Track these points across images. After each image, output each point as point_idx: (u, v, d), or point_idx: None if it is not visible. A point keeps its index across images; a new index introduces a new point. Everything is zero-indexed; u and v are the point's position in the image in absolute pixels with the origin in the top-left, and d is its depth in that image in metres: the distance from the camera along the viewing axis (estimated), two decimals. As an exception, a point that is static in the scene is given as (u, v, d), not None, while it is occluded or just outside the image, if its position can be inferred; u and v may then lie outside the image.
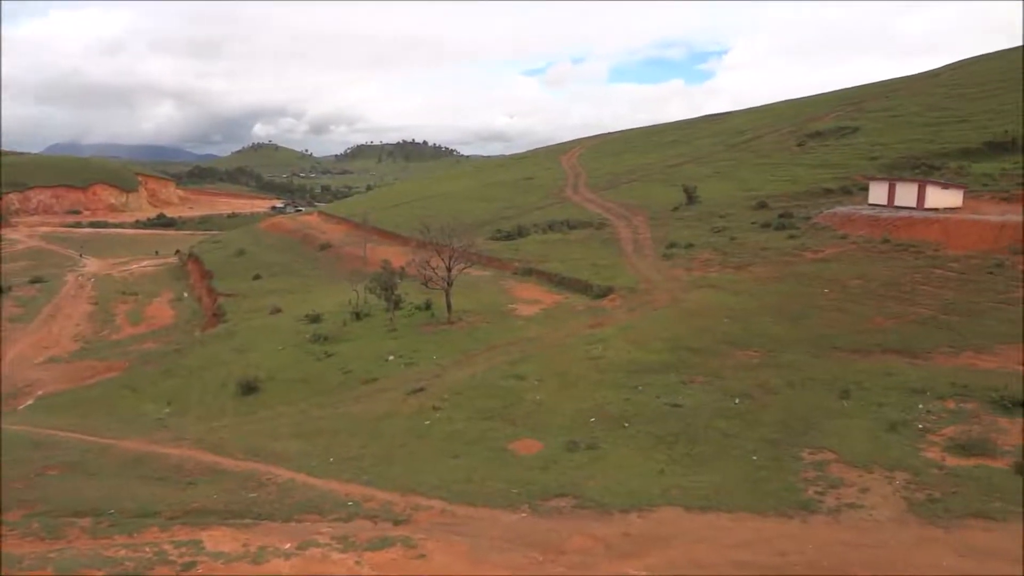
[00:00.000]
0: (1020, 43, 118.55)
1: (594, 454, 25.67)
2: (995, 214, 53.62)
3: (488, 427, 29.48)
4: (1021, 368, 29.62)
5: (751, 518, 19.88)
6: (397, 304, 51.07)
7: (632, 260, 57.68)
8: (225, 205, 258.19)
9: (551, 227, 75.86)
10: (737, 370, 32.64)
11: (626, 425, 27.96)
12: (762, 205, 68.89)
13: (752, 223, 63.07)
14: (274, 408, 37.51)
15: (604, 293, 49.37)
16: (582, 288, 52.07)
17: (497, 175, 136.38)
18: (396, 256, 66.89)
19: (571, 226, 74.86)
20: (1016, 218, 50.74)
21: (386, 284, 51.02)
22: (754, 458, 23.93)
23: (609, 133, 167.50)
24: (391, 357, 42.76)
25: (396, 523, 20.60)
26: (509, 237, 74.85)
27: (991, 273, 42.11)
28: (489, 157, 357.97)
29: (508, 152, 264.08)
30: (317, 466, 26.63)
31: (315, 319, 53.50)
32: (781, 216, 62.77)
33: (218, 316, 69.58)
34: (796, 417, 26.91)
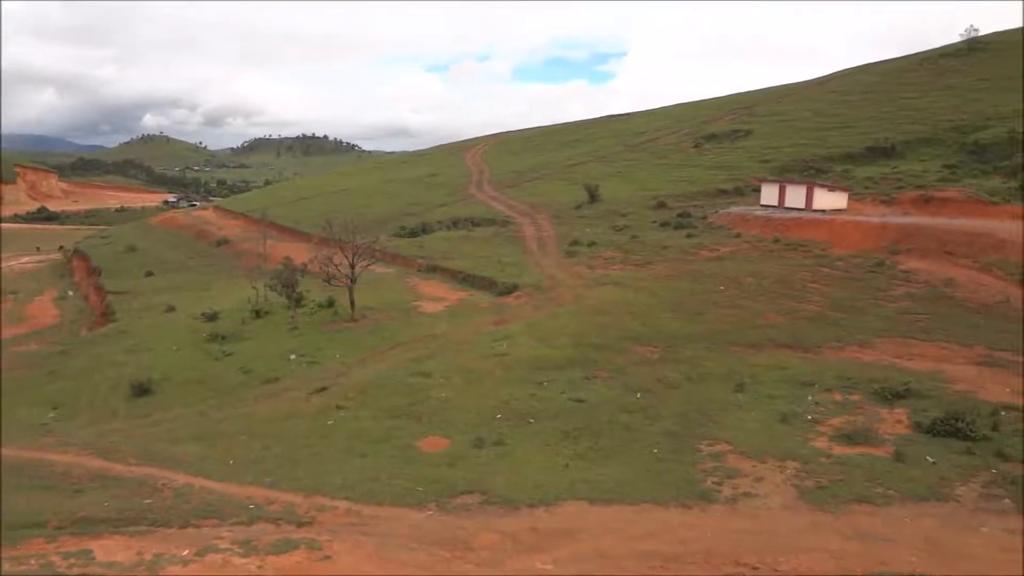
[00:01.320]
0: (899, 55, 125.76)
1: (500, 450, 25.89)
2: (876, 216, 56.87)
3: (394, 425, 29.30)
4: (898, 360, 31.58)
5: (653, 509, 20.49)
6: (299, 302, 50.08)
7: (536, 258, 58.33)
8: (113, 199, 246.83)
9: (456, 224, 75.93)
10: (639, 365, 33.52)
11: (532, 421, 28.32)
12: (661, 205, 70.85)
13: (652, 222, 64.81)
14: (169, 410, 36.16)
15: (509, 290, 49.76)
16: (487, 285, 52.33)
17: (401, 171, 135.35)
18: (298, 253, 65.53)
19: (476, 223, 75.11)
20: (896, 219, 53.96)
21: (287, 281, 49.96)
22: (655, 451, 24.65)
23: (513, 131, 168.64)
24: (293, 356, 41.91)
25: (300, 525, 20.24)
26: (413, 234, 74.48)
27: (873, 272, 44.70)
28: (392, 153, 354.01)
29: (412, 148, 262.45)
30: (216, 469, 25.85)
31: (212, 317, 51.88)
32: (679, 215, 64.77)
33: (107, 315, 66.53)
34: (694, 410, 27.86)
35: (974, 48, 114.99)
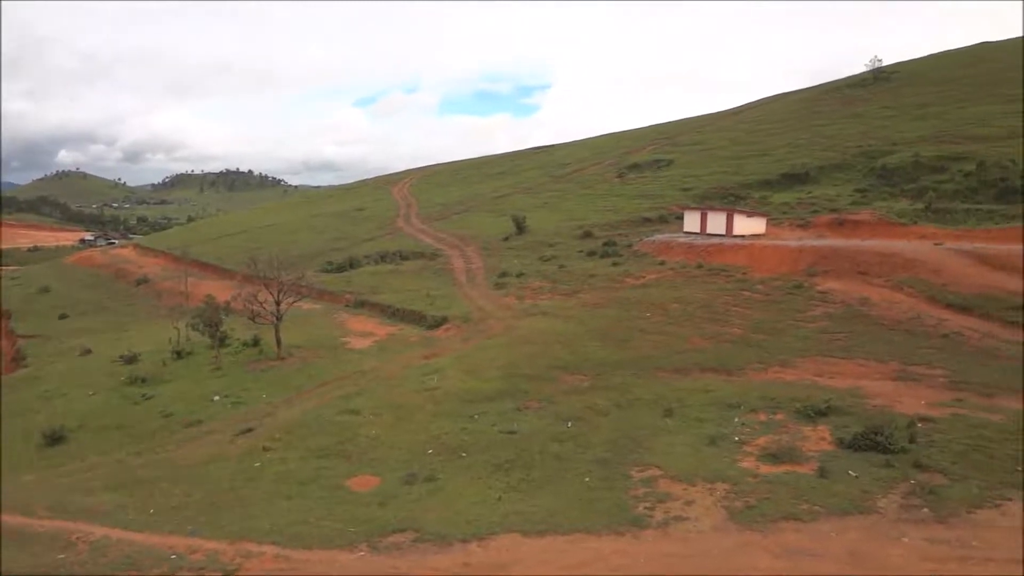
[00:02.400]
0: (809, 85, 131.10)
1: (432, 486, 25.53)
2: (793, 240, 58.76)
3: (322, 465, 28.63)
4: (819, 379, 32.47)
5: (586, 538, 20.44)
6: (222, 341, 48.81)
7: (465, 290, 58.28)
8: (25, 238, 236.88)
9: (383, 258, 75.40)
10: (569, 394, 33.63)
11: (463, 455, 28.05)
12: (587, 234, 71.77)
13: (579, 251, 65.56)
14: (85, 459, 34.57)
15: (438, 323, 49.51)
16: (416, 319, 51.97)
17: (327, 206, 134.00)
18: (221, 291, 64.03)
19: (404, 257, 74.76)
20: (812, 243, 55.81)
21: (210, 320, 48.68)
22: (587, 479, 24.66)
23: (440, 164, 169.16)
24: (217, 397, 40.71)
25: (225, 573, 19.51)
26: (341, 269, 73.62)
27: (792, 294, 46.03)
28: (319, 187, 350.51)
29: (338, 182, 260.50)
30: (135, 519, 24.75)
31: (131, 360, 50.10)
32: (605, 244, 65.68)
33: (18, 360, 63.53)
34: (625, 437, 28.02)
35: (879, 78, 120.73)
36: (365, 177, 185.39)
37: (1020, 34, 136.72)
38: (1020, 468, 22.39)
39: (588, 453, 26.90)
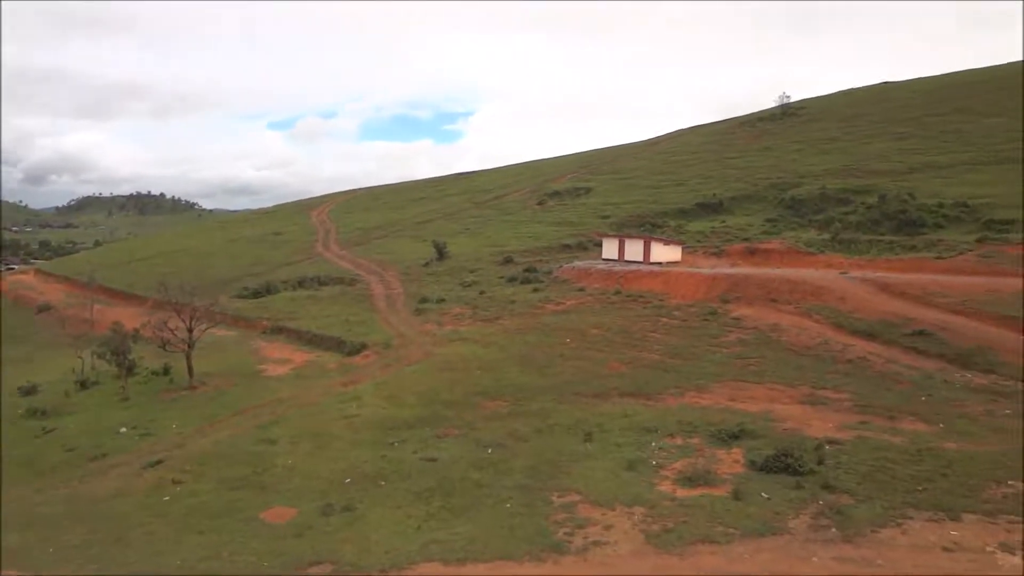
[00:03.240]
0: (722, 118, 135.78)
1: (351, 516, 25.02)
2: (707, 267, 60.46)
3: (236, 497, 27.74)
4: (732, 403, 33.30)
5: (507, 565, 20.33)
6: (130, 370, 46.97)
7: (385, 316, 57.74)
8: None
9: (301, 284, 74.12)
10: (489, 420, 33.56)
11: (382, 483, 27.62)
12: (508, 260, 72.24)
13: (500, 277, 65.87)
14: (-23, 496, 32.58)
15: (357, 350, 48.84)
16: (335, 345, 51.15)
17: (243, 230, 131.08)
18: (130, 318, 61.76)
19: (322, 282, 73.66)
20: (725, 271, 57.50)
21: (117, 348, 46.81)
22: (507, 505, 24.58)
23: (360, 189, 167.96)
24: (124, 429, 39.04)
25: (130, 613, 18.64)
26: (257, 295, 71.95)
27: (706, 320, 47.23)
28: (235, 212, 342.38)
29: (256, 206, 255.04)
30: (35, 560, 23.45)
31: (30, 391, 47.61)
32: (526, 270, 66.21)
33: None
34: (545, 462, 28.08)
35: (787, 113, 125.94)
36: (283, 201, 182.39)
37: (920, 75, 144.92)
38: (920, 488, 23.35)
39: (509, 479, 26.84)
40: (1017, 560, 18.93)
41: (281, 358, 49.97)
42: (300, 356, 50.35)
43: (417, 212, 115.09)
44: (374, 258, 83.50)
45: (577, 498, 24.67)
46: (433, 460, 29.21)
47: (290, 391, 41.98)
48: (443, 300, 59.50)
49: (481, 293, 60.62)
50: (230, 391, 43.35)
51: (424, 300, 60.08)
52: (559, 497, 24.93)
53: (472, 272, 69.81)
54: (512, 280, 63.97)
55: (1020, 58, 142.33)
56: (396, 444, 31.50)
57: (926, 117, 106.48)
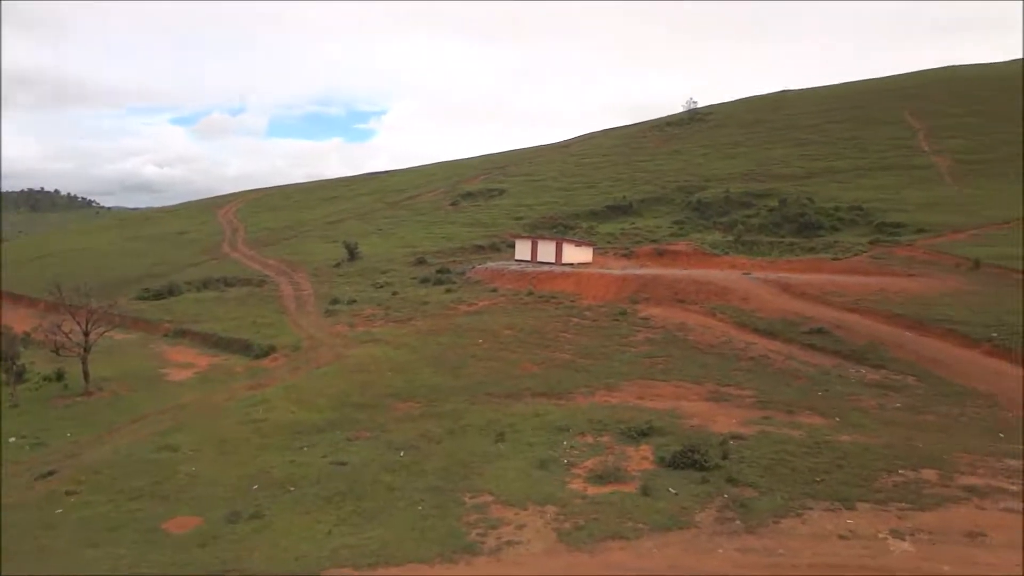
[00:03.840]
0: (632, 122, 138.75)
1: (258, 523, 24.37)
2: (618, 268, 61.56)
3: (136, 508, 26.62)
4: (641, 401, 33.98)
5: (419, 568, 20.19)
6: (20, 376, 44.45)
7: (294, 317, 56.55)
8: None
9: (207, 285, 71.80)
10: (401, 422, 33.28)
11: (291, 489, 27.01)
12: (421, 261, 71.86)
13: (412, 278, 65.45)
14: None
15: (265, 352, 47.64)
16: (242, 348, 49.76)
17: (145, 229, 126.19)
18: (20, 320, 58.52)
19: (229, 283, 71.57)
20: (635, 271, 58.65)
21: (5, 353, 44.27)
22: (420, 508, 24.42)
23: (271, 187, 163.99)
24: (13, 439, 36.89)
25: (19, 633, 17.66)
26: (159, 296, 69.27)
27: (617, 320, 48.07)
28: (136, 209, 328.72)
29: (158, 204, 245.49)
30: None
31: (-93, 400, 44.55)
32: (439, 271, 65.98)
33: None
34: (457, 463, 28.03)
35: (694, 118, 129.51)
36: (187, 199, 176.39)
37: (818, 84, 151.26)
38: (818, 479, 24.35)
39: (421, 481, 26.67)
40: (907, 545, 19.96)
41: (184, 362, 48.28)
42: (205, 360, 48.77)
43: (328, 212, 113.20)
44: (283, 258, 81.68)
45: (489, 498, 24.71)
46: (344, 464, 28.76)
47: (194, 396, 40.61)
48: (355, 301, 58.68)
49: (393, 294, 60.07)
50: (129, 397, 41.62)
51: (335, 301, 59.11)
52: (472, 498, 24.92)
53: (384, 273, 69.13)
54: (425, 281, 63.64)
55: (909, 70, 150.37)
56: (305, 448, 30.87)
57: (824, 125, 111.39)
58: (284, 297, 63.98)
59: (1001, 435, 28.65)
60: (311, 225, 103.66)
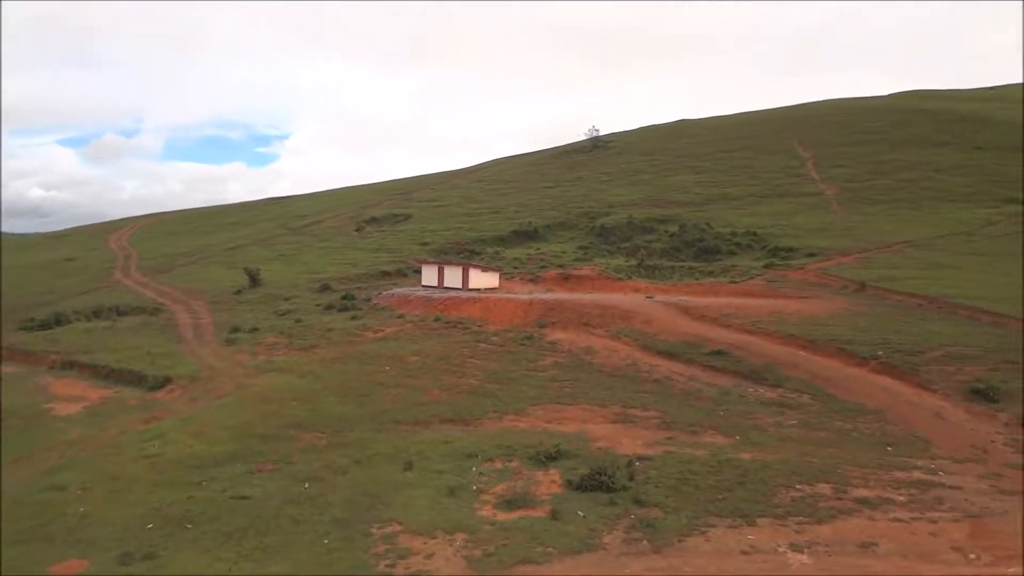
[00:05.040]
0: (536, 149, 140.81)
1: (152, 564, 23.20)
2: (524, 293, 62.00)
3: (18, 553, 24.93)
4: (549, 425, 34.20)
5: (324, 603, 19.64)
6: None
7: (193, 347, 54.52)
8: None
9: (97, 314, 68.39)
10: (306, 453, 32.42)
11: (189, 526, 25.87)
12: (325, 287, 70.64)
13: (317, 305, 64.22)
14: None
15: (161, 384, 45.65)
16: (135, 380, 47.52)
17: (30, 256, 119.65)
18: None
19: (121, 312, 68.40)
20: (541, 296, 59.20)
21: None
22: (326, 541, 23.80)
23: (168, 212, 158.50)
24: None
25: None
26: (45, 326, 65.51)
27: (524, 344, 48.36)
28: (20, 235, 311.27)
29: (45, 229, 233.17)
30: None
31: None
32: (344, 298, 64.96)
33: None
34: (364, 494, 27.49)
35: (597, 146, 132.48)
36: (76, 225, 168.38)
37: (713, 114, 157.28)
38: (721, 497, 25.00)
39: (326, 514, 26.01)
40: (804, 558, 20.70)
41: (73, 395, 45.72)
42: (95, 393, 46.31)
43: (228, 237, 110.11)
44: (181, 286, 78.80)
45: (398, 528, 24.32)
46: (245, 498, 27.76)
47: (83, 431, 38.46)
48: (256, 329, 57.07)
49: (297, 321, 58.74)
50: (9, 435, 39.10)
51: (235, 330, 57.33)
52: (379, 528, 24.47)
53: (287, 300, 67.58)
54: (329, 308, 62.51)
55: (794, 103, 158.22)
56: (204, 483, 29.63)
57: (718, 153, 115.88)
58: (181, 326, 61.65)
59: (889, 448, 30.13)
60: (210, 251, 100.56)
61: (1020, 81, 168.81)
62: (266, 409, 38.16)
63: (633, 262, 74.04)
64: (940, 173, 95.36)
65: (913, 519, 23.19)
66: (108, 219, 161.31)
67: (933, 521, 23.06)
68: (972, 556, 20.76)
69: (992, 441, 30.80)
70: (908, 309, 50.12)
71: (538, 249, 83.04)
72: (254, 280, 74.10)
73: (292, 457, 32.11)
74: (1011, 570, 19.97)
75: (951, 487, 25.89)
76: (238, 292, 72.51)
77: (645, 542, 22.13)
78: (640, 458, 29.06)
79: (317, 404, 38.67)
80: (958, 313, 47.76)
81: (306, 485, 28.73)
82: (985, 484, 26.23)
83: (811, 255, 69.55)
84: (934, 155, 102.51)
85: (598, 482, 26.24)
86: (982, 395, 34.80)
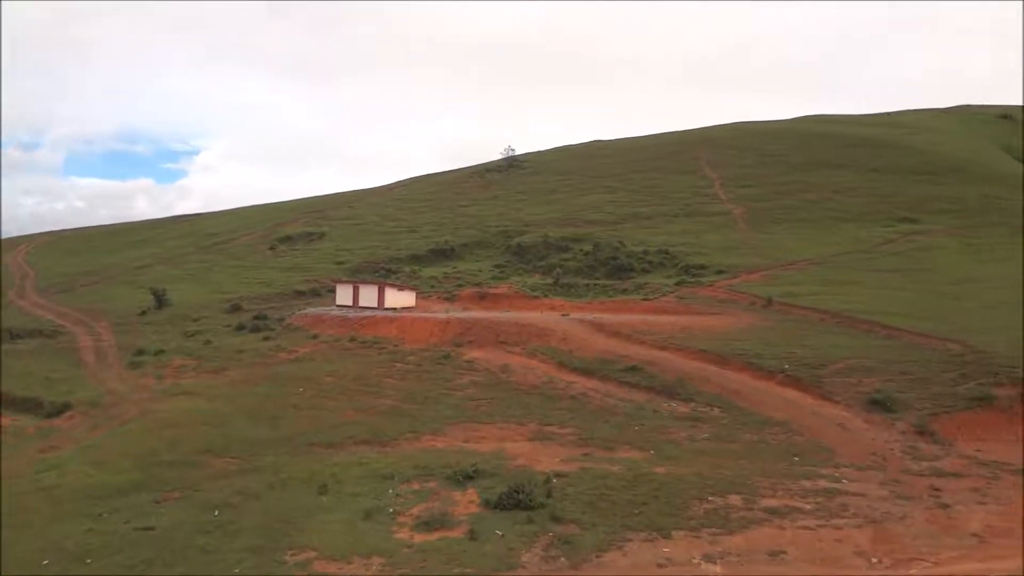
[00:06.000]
0: (453, 167, 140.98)
1: (49, 602, 22.04)
2: (441, 311, 61.84)
3: None
4: (467, 444, 34.10)
5: (235, 635, 19.00)
6: None
7: (94, 371, 52.26)
8: None
9: (-11, 338, 64.84)
10: (216, 479, 31.40)
11: (89, 561, 24.64)
12: (236, 308, 68.82)
13: (227, 326, 62.49)
14: None
15: (59, 411, 43.52)
16: (31, 407, 45.22)
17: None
18: None
19: (16, 335, 64.97)
20: (457, 315, 59.15)
21: None
22: (237, 570, 23.06)
23: (68, 230, 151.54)
24: None
25: None
26: (-70, 352, 61.79)
27: (441, 363, 48.13)
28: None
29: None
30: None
31: None
32: (256, 318, 63.39)
33: None
34: (277, 520, 26.76)
35: (512, 165, 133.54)
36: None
37: (625, 135, 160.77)
38: (636, 511, 25.38)
39: (238, 541, 25.20)
40: (717, 568, 21.20)
41: (-39, 425, 43.15)
42: (-14, 421, 43.84)
43: (134, 256, 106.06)
44: (82, 307, 75.44)
45: (312, 554, 23.76)
46: (151, 529, 26.64)
47: (-28, 463, 36.29)
48: (163, 352, 55.06)
49: (206, 343, 56.98)
50: None
51: (141, 352, 55.20)
52: (293, 555, 23.86)
53: (196, 321, 65.51)
54: (241, 328, 60.89)
55: (702, 125, 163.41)
56: (105, 515, 28.32)
57: (630, 174, 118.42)
58: (82, 349, 59.01)
59: (795, 458, 31.20)
60: (114, 271, 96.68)
61: (913, 108, 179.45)
62: (173, 435, 36.79)
63: (549, 280, 74.81)
64: (839, 194, 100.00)
65: (819, 526, 24.04)
66: (3, 236, 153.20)
67: (838, 528, 23.96)
68: (874, 560, 21.65)
69: (891, 449, 32.30)
70: (811, 324, 52.16)
71: (455, 268, 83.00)
72: (160, 300, 71.57)
73: (201, 484, 31.03)
74: (912, 571, 20.90)
75: (854, 494, 26.97)
76: (143, 313, 69.93)
77: (563, 559, 22.24)
78: (557, 475, 29.22)
79: (228, 428, 37.53)
80: (857, 327, 49.97)
81: (216, 512, 27.79)
82: (885, 490, 27.44)
83: (720, 272, 71.69)
84: (833, 177, 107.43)
85: (516, 500, 26.25)
86: (880, 405, 36.43)
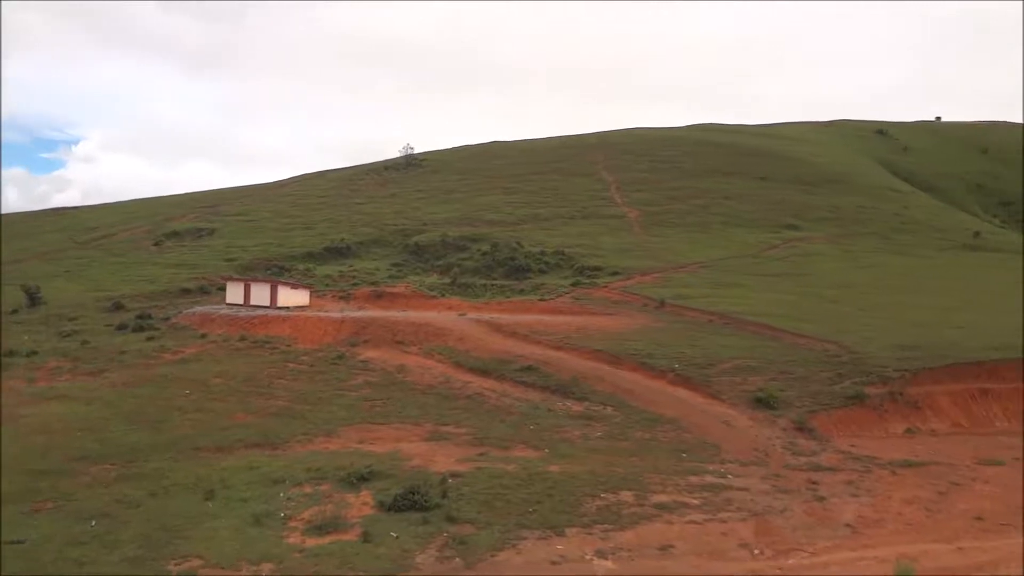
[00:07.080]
0: (349, 164, 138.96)
1: (-99, 623, 20.35)
2: (336, 311, 60.74)
3: None
4: (362, 446, 33.57)
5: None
6: None
7: (-43, 374, 48.65)
8: None
9: None
10: (93, 488, 29.73)
11: (-51, 577, 22.95)
12: (118, 306, 65.60)
13: (107, 325, 59.48)
14: None
15: (-83, 417, 40.36)
16: None
17: None
18: None
19: None
20: (353, 314, 58.25)
21: None
22: (114, 582, 21.93)
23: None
24: None
25: None
26: None
27: (335, 364, 47.25)
28: None
29: None
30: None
31: None
32: (139, 317, 60.53)
33: None
34: (160, 528, 25.59)
35: (411, 164, 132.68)
36: None
37: (525, 136, 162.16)
38: (531, 510, 25.57)
39: (116, 553, 23.95)
40: (609, 563, 21.60)
41: None
42: None
43: (4, 251, 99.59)
44: (-58, 306, 70.23)
45: (198, 563, 22.84)
46: (20, 542, 24.95)
47: None
48: (35, 353, 51.81)
49: (84, 343, 53.99)
50: None
51: (11, 353, 51.71)
52: (177, 565, 22.87)
53: (72, 320, 62.01)
54: (122, 328, 58.01)
55: (600, 130, 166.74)
56: (-31, 527, 26.41)
57: (528, 175, 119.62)
58: (-57, 350, 54.87)
59: (684, 455, 32.16)
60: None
61: (795, 120, 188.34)
62: (45, 441, 34.64)
63: (447, 280, 74.63)
64: (728, 200, 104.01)
65: (706, 520, 24.86)
66: None
67: (724, 521, 24.85)
68: (757, 552, 22.54)
69: (772, 445, 33.76)
70: (701, 325, 53.95)
71: (351, 266, 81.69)
72: (33, 298, 67.39)
73: (76, 493, 29.31)
74: (789, 561, 21.86)
75: (738, 488, 28.03)
76: (14, 312, 65.65)
77: (458, 559, 22.16)
78: (453, 475, 29.12)
79: (106, 433, 35.64)
80: (745, 328, 51.99)
81: (92, 523, 26.32)
82: (767, 484, 28.65)
83: (615, 274, 73.25)
84: (723, 183, 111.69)
85: (411, 501, 26.00)
86: (763, 403, 38.04)
